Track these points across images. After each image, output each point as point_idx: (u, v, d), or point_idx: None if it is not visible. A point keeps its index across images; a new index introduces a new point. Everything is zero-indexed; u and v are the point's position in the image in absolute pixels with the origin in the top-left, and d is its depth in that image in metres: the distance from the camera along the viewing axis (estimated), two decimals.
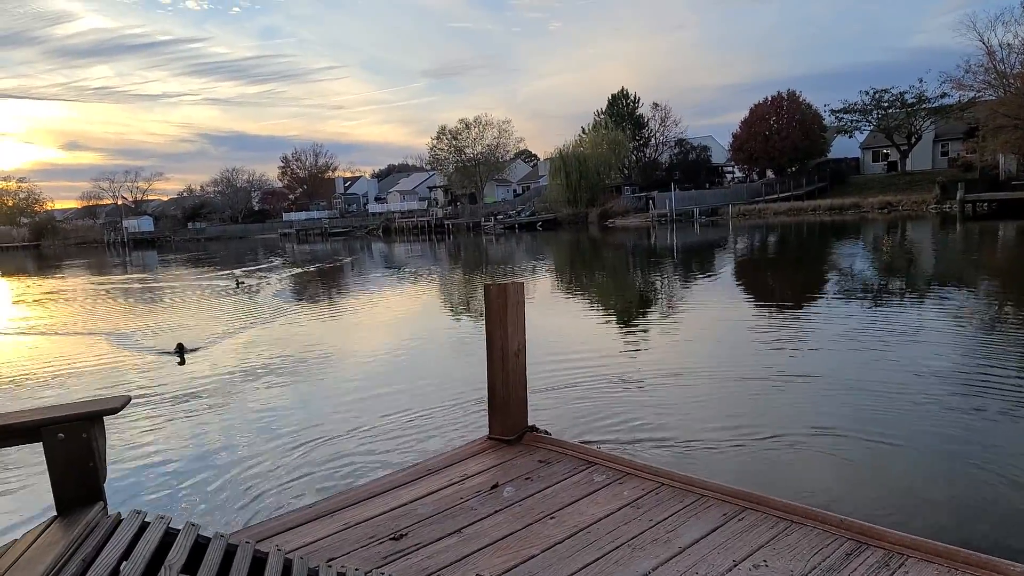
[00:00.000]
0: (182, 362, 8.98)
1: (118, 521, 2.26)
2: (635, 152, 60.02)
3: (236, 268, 29.82)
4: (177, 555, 2.12)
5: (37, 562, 1.94)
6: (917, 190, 40.93)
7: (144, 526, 2.26)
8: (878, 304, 11.50)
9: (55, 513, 2.29)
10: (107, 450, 2.48)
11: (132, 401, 6.95)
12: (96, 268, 35.92)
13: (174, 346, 9.59)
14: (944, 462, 4.79)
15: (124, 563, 2.01)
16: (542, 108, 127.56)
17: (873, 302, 11.70)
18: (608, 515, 2.98)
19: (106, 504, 2.39)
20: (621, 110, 59.67)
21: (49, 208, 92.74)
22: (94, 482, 2.37)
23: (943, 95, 45.47)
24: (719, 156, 61.14)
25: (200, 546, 2.23)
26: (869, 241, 25.30)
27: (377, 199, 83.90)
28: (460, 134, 68.06)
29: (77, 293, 21.22)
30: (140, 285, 24.24)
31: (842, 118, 51.21)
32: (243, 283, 20.27)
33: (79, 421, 2.35)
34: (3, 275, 35.50)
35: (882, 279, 15.00)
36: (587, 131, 58.22)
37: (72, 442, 2.33)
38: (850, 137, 53.22)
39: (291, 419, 6.43)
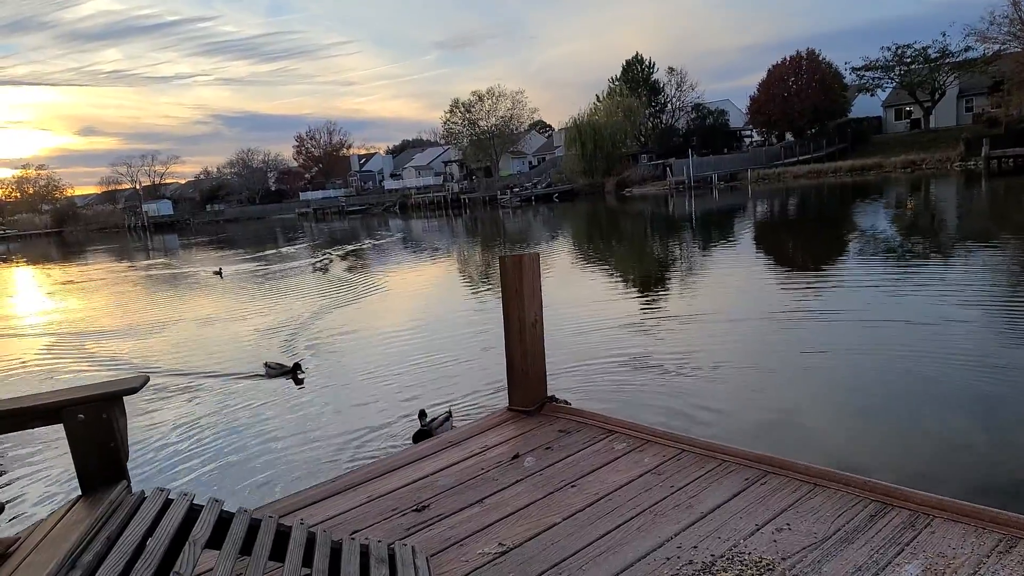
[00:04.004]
0: (299, 382, 7.18)
1: (142, 499, 2.28)
2: (651, 119, 59.07)
3: (285, 246, 29.68)
4: (201, 530, 2.14)
5: (63, 541, 1.96)
6: (941, 147, 39.90)
7: (168, 503, 2.28)
8: (901, 264, 11.29)
9: (80, 493, 2.32)
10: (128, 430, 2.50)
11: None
12: (126, 254, 36.16)
13: (291, 365, 7.47)
14: (974, 418, 4.70)
15: (149, 539, 2.03)
16: (557, 77, 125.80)
17: (896, 262, 11.49)
18: (629, 482, 2.97)
19: (130, 483, 2.42)
20: (636, 76, 58.61)
21: (69, 194, 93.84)
22: (116, 461, 2.39)
23: (967, 49, 44.15)
24: (737, 120, 59.96)
25: (224, 521, 2.25)
26: (891, 201, 24.80)
27: (392, 175, 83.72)
28: (473, 106, 67.36)
29: (137, 285, 20.87)
30: (170, 271, 24.39)
31: (863, 76, 49.89)
32: (220, 272, 19.52)
33: (99, 402, 2.36)
34: (31, 263, 36.13)
35: (904, 239, 14.72)
36: (602, 99, 57.34)
37: (93, 423, 2.34)
38: (872, 95, 51.86)
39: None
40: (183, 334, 10.70)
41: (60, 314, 14.36)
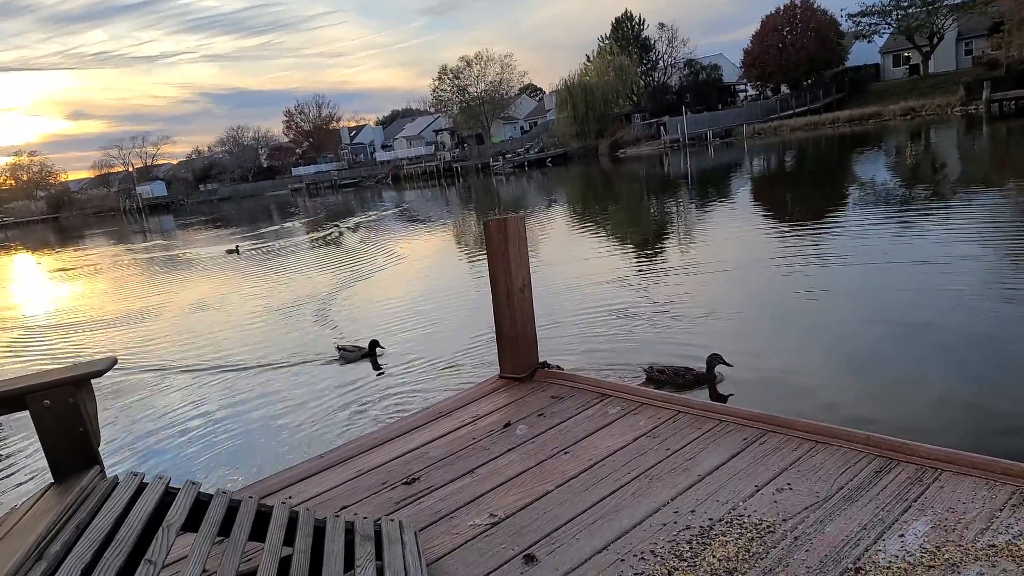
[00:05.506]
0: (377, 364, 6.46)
1: (115, 484, 2.19)
2: (643, 77, 58.08)
3: (285, 222, 29.16)
4: (176, 514, 2.06)
5: (30, 532, 1.87)
6: (941, 93, 39.27)
7: (142, 487, 2.19)
8: (898, 213, 11.12)
9: (52, 480, 2.24)
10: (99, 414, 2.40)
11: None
12: (126, 237, 35.65)
13: (367, 346, 6.72)
14: (983, 364, 4.60)
15: (121, 526, 1.94)
16: (546, 38, 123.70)
17: (892, 211, 11.32)
18: (624, 447, 2.87)
19: (103, 468, 2.33)
20: (626, 34, 57.46)
21: (63, 180, 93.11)
22: (87, 447, 2.30)
23: None
24: (731, 74, 58.97)
25: (201, 504, 2.16)
26: (890, 150, 24.46)
27: (384, 147, 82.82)
28: (462, 73, 66.21)
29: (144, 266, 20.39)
30: (182, 253, 24.10)
31: (860, 22, 48.79)
32: (237, 249, 18.96)
33: (65, 387, 2.26)
34: (32, 250, 35.88)
35: (904, 187, 14.51)
36: (592, 59, 56.32)
37: (59, 408, 2.26)
38: (869, 42, 50.85)
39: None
40: (220, 318, 10.03)
41: (81, 300, 14.10)
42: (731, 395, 4.61)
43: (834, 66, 49.00)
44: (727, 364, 4.84)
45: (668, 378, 4.85)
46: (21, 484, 4.69)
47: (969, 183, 13.91)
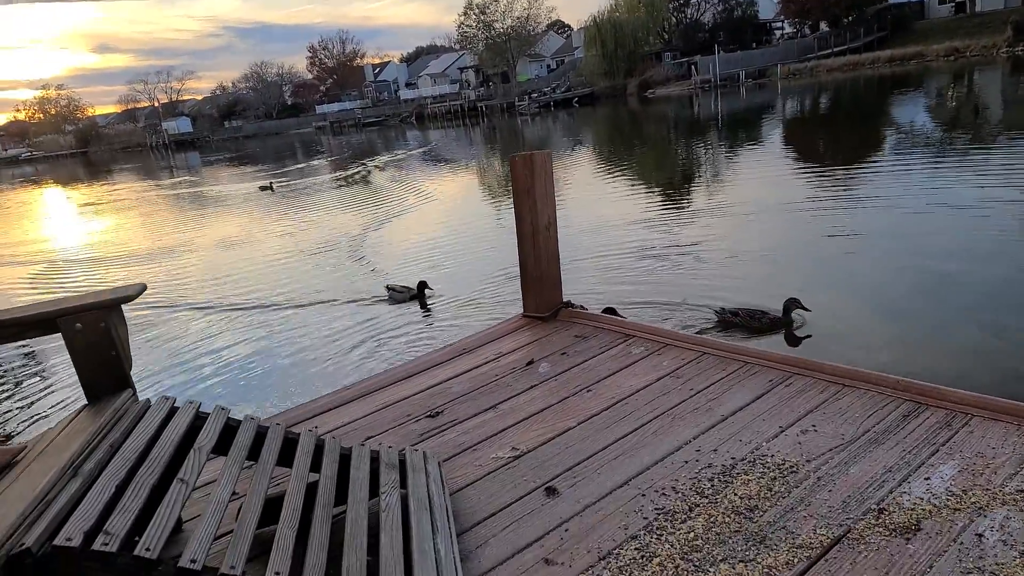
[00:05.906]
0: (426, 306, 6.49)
1: (147, 407, 2.24)
2: (674, 14, 55.86)
3: (313, 160, 29.11)
4: (207, 438, 2.10)
5: (64, 449, 1.92)
6: (987, 33, 37.24)
7: (173, 411, 2.24)
8: (936, 157, 10.73)
9: (85, 402, 2.29)
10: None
11: None
12: (156, 173, 35.68)
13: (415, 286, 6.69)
14: (1015, 314, 4.48)
15: (153, 447, 1.99)
16: None
17: (931, 155, 10.92)
18: (646, 386, 2.87)
19: (135, 391, 2.38)
20: None
21: (91, 114, 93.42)
22: (120, 370, 2.34)
23: None
24: (767, 11, 56.36)
25: (231, 429, 2.20)
26: (930, 92, 23.43)
27: (408, 84, 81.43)
28: (488, 8, 64.33)
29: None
30: (216, 189, 24.10)
31: None
32: (271, 186, 18.75)
33: (96, 310, 2.29)
34: (64, 184, 36.23)
35: (940, 132, 13.96)
36: None
37: (91, 331, 2.29)
38: None
39: None
40: (255, 255, 9.97)
41: (115, 234, 14.23)
42: (807, 337, 4.56)
43: (877, 2, 46.54)
44: (805, 309, 4.74)
45: (742, 320, 4.76)
46: (55, 406, 4.86)
47: (1011, 128, 13.33)
